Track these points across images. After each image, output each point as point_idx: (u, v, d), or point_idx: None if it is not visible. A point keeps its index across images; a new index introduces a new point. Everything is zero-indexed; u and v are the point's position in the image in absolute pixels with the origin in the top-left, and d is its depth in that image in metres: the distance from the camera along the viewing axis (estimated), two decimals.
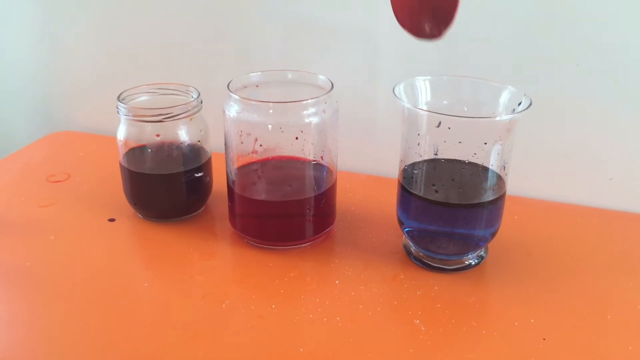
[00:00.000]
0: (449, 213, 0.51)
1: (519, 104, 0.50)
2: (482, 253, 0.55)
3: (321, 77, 0.56)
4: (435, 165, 0.53)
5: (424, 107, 0.53)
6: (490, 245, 0.56)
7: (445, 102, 0.54)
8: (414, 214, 0.53)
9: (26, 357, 0.45)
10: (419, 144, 0.52)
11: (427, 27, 0.47)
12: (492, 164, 0.51)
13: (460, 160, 0.52)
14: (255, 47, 0.71)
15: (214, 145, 0.62)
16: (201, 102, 0.59)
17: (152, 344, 0.45)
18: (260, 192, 0.57)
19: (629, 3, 0.57)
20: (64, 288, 0.52)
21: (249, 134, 0.54)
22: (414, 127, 0.52)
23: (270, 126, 0.53)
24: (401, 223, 0.55)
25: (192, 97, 0.59)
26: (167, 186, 0.59)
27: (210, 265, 0.55)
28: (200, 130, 0.60)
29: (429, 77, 0.54)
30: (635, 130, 0.62)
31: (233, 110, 0.53)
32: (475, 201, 0.52)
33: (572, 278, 0.53)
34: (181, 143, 0.60)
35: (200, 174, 0.60)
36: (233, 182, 0.56)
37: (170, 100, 0.59)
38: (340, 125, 0.56)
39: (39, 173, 0.70)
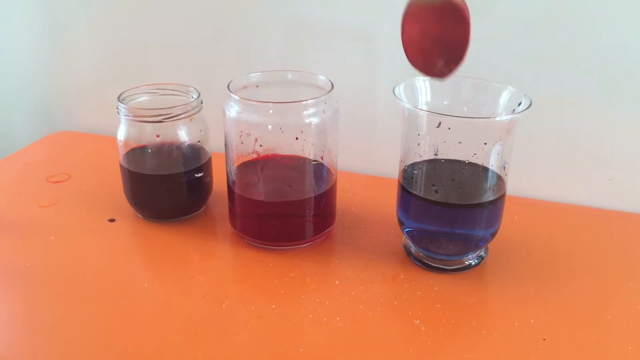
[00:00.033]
0: (449, 213, 0.51)
1: (519, 104, 0.50)
2: (482, 253, 0.55)
3: (321, 77, 0.56)
4: (435, 165, 0.53)
5: (424, 108, 0.53)
6: (490, 245, 0.56)
7: (445, 102, 0.54)
8: (414, 214, 0.53)
9: (26, 357, 0.45)
10: (419, 144, 0.52)
11: (438, 66, 0.48)
12: (492, 164, 0.51)
13: (460, 161, 0.52)
14: (255, 47, 0.71)
15: (214, 146, 0.62)
16: (201, 103, 0.59)
17: (152, 344, 0.45)
18: (260, 193, 0.57)
19: (629, 3, 0.57)
20: (64, 288, 0.52)
21: (249, 134, 0.54)
22: (414, 127, 0.52)
23: (270, 126, 0.53)
24: (401, 223, 0.55)
25: (192, 97, 0.59)
26: (167, 186, 0.59)
27: (210, 266, 0.55)
28: (200, 131, 0.60)
29: (429, 78, 0.54)
30: (635, 130, 0.62)
31: (233, 110, 0.53)
32: (475, 201, 0.52)
33: (572, 278, 0.53)
34: (181, 143, 0.60)
35: (200, 174, 0.60)
36: (233, 182, 0.56)
37: (170, 101, 0.59)
38: (340, 125, 0.56)
39: (39, 173, 0.70)
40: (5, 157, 0.75)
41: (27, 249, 0.57)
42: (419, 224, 0.53)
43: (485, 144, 0.50)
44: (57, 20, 0.79)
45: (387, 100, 0.68)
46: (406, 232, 0.54)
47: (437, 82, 0.49)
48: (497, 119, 0.52)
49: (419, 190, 0.52)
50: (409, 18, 0.48)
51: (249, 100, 0.53)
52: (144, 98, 0.60)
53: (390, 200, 0.61)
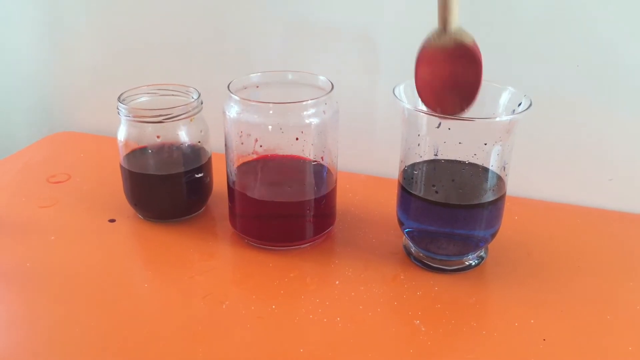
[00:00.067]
0: (449, 214, 0.51)
1: (519, 104, 0.50)
2: (482, 254, 0.55)
3: (321, 77, 0.56)
4: (435, 165, 0.53)
5: (424, 108, 0.53)
6: (490, 245, 0.56)
7: None
8: (414, 215, 0.53)
9: (26, 357, 0.45)
10: (419, 145, 0.52)
11: (450, 107, 0.48)
12: (492, 165, 0.51)
13: (460, 161, 0.52)
14: (255, 47, 0.71)
15: (214, 146, 0.62)
16: (201, 103, 0.59)
17: (152, 344, 0.45)
18: (261, 193, 0.57)
19: (629, 3, 0.57)
20: (64, 288, 0.52)
21: (249, 135, 0.54)
22: (414, 127, 0.52)
23: (270, 127, 0.53)
24: (401, 223, 0.55)
25: (193, 97, 0.59)
26: (167, 187, 0.59)
27: (211, 266, 0.55)
28: (201, 131, 0.60)
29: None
30: (635, 130, 0.62)
31: (233, 110, 0.53)
32: (475, 202, 0.52)
33: (572, 278, 0.53)
34: (181, 144, 0.60)
35: (200, 175, 0.60)
36: (233, 182, 0.56)
37: (171, 101, 0.59)
38: (340, 125, 0.56)
39: (39, 173, 0.71)
40: (5, 157, 0.75)
41: (27, 249, 0.57)
42: (419, 224, 0.53)
43: (485, 144, 0.50)
44: (57, 20, 0.79)
45: (387, 100, 0.68)
46: (406, 232, 0.54)
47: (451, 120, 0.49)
48: (497, 119, 0.52)
49: (419, 190, 0.52)
50: (422, 63, 0.49)
51: (249, 100, 0.53)
52: (144, 98, 0.60)
53: (390, 201, 0.61)
